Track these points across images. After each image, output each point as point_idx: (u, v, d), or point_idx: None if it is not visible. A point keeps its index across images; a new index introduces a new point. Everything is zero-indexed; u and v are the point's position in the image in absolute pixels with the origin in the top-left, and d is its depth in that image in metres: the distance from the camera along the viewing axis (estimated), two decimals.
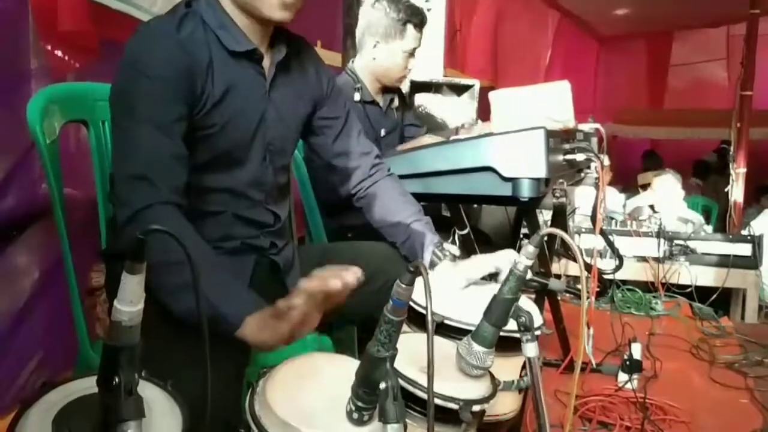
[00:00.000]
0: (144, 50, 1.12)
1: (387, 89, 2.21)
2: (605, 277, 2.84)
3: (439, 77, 3.02)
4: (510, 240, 2.31)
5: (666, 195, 4.06)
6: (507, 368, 1.12)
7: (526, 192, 1.54)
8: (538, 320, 1.15)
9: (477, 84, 2.81)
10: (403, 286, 0.77)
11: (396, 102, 2.26)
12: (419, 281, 0.77)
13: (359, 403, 0.80)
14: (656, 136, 8.06)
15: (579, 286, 1.22)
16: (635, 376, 2.08)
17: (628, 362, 2.09)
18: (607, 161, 2.00)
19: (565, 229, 2.31)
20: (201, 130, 1.19)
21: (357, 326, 1.61)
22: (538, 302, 1.99)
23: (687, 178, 5.77)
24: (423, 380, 0.87)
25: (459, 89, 2.82)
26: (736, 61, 4.89)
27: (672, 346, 2.57)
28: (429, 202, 1.69)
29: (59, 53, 1.65)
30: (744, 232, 3.59)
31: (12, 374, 1.53)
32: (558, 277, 3.13)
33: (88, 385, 0.71)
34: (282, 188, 1.40)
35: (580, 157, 1.73)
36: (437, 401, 0.91)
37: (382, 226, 1.47)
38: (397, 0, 2.08)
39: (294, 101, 1.35)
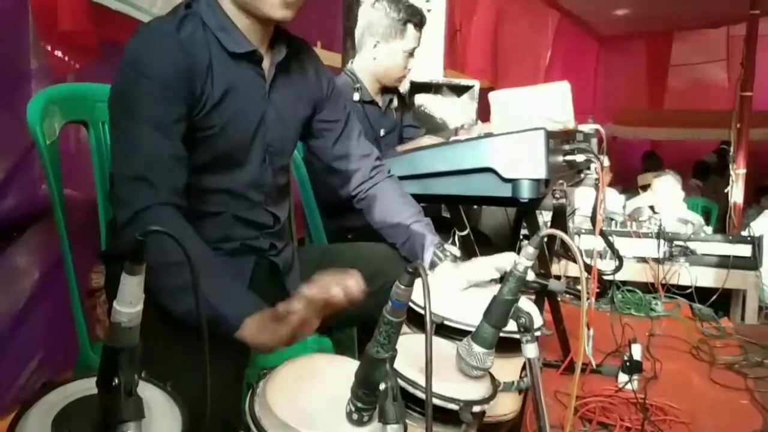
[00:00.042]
0: (144, 51, 1.13)
1: (386, 89, 2.21)
2: (605, 278, 2.83)
3: (438, 78, 3.02)
4: (510, 241, 2.31)
5: (666, 196, 4.06)
6: (507, 369, 1.12)
7: (525, 193, 1.54)
8: (538, 321, 1.15)
9: (477, 84, 2.81)
10: (402, 287, 0.77)
11: (395, 102, 2.26)
12: (419, 282, 0.77)
13: (359, 404, 0.80)
14: (656, 137, 8.06)
15: (579, 287, 1.22)
16: (635, 377, 2.08)
17: (628, 363, 2.09)
18: (606, 162, 2.00)
19: (564, 230, 2.31)
20: (201, 131, 1.19)
21: (357, 327, 1.61)
22: (538, 303, 1.98)
23: (687, 179, 5.77)
24: (423, 381, 0.86)
25: (459, 90, 2.81)
26: (736, 61, 4.88)
27: (672, 347, 2.57)
28: (429, 203, 1.68)
29: (59, 53, 1.65)
30: (744, 233, 3.58)
31: (12, 375, 1.53)
32: (558, 278, 3.13)
33: (88, 386, 0.71)
34: (282, 189, 1.40)
35: (580, 158, 1.73)
36: (437, 402, 0.91)
37: (383, 228, 1.47)
38: (397, 0, 2.09)
39: (294, 102, 1.35)
